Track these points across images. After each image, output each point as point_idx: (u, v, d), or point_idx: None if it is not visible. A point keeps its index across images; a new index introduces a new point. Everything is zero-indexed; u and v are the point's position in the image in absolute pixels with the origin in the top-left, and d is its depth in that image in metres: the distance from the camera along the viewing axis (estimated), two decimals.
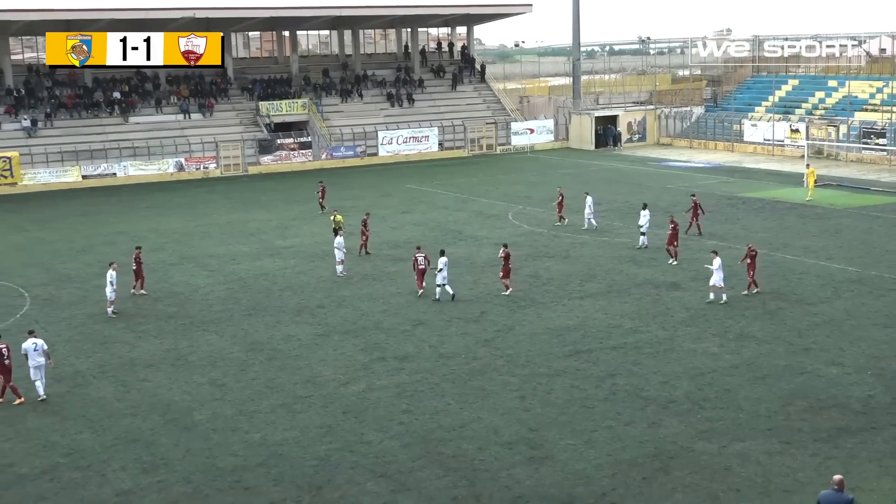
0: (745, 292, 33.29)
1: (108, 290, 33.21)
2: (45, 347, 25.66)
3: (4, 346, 25.26)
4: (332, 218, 43.19)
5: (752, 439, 21.58)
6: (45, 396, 25.32)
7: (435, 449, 21.70)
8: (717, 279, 32.44)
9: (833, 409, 23.13)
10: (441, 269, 33.89)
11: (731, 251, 40.13)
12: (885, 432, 21.69)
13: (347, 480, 20.22)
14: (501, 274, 34.89)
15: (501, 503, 19.07)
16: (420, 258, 34.91)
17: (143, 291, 36.27)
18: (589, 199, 46.70)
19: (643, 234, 41.00)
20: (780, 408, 23.38)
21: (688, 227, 43.63)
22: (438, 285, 33.99)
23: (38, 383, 25.32)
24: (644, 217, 41.16)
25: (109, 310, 33.54)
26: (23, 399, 25.07)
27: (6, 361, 25.04)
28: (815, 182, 52.65)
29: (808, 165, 55.29)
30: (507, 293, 34.48)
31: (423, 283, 34.80)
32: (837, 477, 15.65)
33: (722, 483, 19.58)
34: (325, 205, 52.75)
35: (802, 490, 19.12)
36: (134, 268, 36.11)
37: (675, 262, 37.66)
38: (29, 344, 25.29)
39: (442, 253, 34.45)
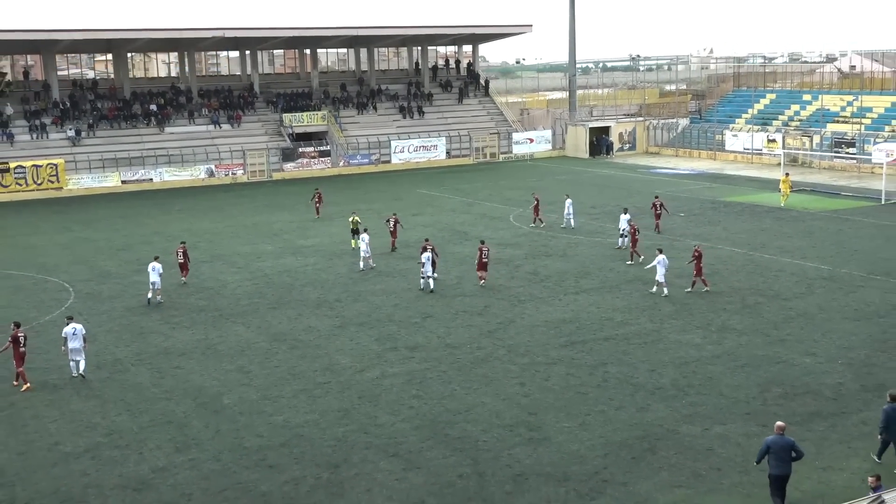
0: (689, 290, 33.32)
1: (155, 279, 33.87)
2: (84, 332, 26.10)
3: (23, 334, 25.55)
4: (350, 219, 43.38)
5: (732, 423, 21.57)
6: (84, 375, 25.80)
7: (442, 431, 21.72)
8: (659, 274, 32.83)
9: (806, 396, 23.11)
10: (423, 263, 34.68)
11: (713, 251, 40.11)
12: (854, 417, 21.66)
13: (362, 459, 20.26)
14: (479, 267, 35.54)
15: (503, 480, 19.08)
16: (428, 248, 35.72)
17: (183, 280, 37.01)
18: (568, 202, 47.28)
19: (623, 236, 40.90)
20: (758, 394, 23.36)
21: (655, 227, 44.53)
22: (423, 277, 34.85)
23: (72, 364, 25.85)
24: (624, 221, 41.19)
25: (156, 297, 34.14)
26: (29, 385, 25.20)
27: (21, 349, 25.33)
28: (789, 189, 52.61)
29: (786, 174, 55.08)
30: (482, 284, 35.18)
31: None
32: (780, 424, 17.46)
33: (704, 462, 19.58)
34: (320, 210, 52.41)
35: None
36: (181, 261, 36.94)
37: (639, 261, 37.49)
38: (69, 329, 25.77)
39: (425, 249, 35.29)
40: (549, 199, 50.80)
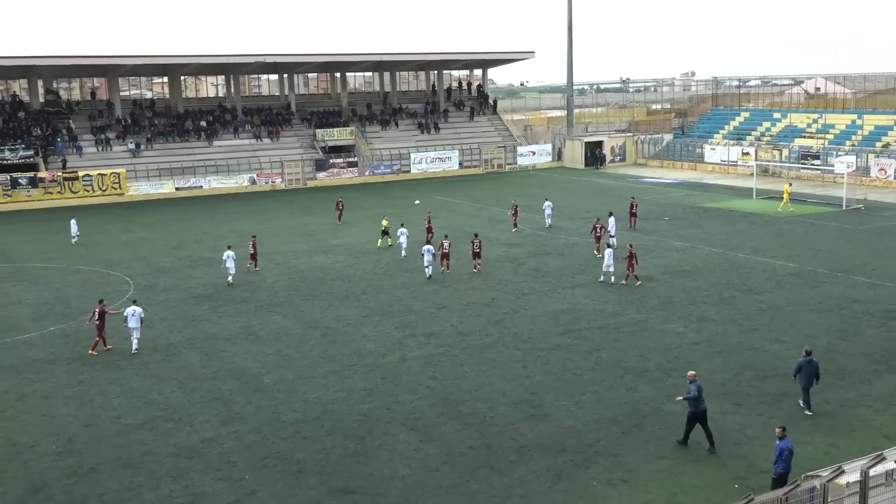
0: (623, 282, 33.74)
1: (230, 265, 35.70)
2: (143, 315, 26.98)
3: (97, 309, 26.89)
4: (382, 222, 44.26)
5: (709, 402, 21.30)
6: (137, 350, 26.70)
7: (455, 408, 21.72)
8: (607, 265, 33.95)
9: (776, 378, 22.99)
10: (423, 255, 36.04)
11: (693, 251, 40.03)
12: (818, 397, 21.51)
13: (385, 432, 20.28)
14: (473, 256, 37.27)
15: (508, 451, 19.07)
16: (446, 244, 36.98)
17: (255, 269, 38.32)
18: (548, 203, 48.24)
19: (612, 236, 41.05)
20: (733, 376, 23.27)
21: (632, 225, 45.71)
22: (426, 266, 36.08)
23: (132, 339, 26.74)
24: (612, 223, 41.56)
25: (229, 278, 35.78)
26: (94, 353, 26.69)
27: (94, 321, 26.71)
28: (788, 196, 52.57)
29: (790, 184, 54.70)
30: (475, 270, 36.76)
31: (448, 264, 36.92)
32: (692, 373, 19.34)
33: None
34: (342, 216, 51.78)
35: (750, 443, 19.06)
36: (251, 252, 38.47)
37: (599, 256, 37.90)
38: (129, 310, 26.73)
39: (428, 241, 37.68)
40: (533, 205, 50.57)
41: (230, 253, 35.85)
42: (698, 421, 18.89)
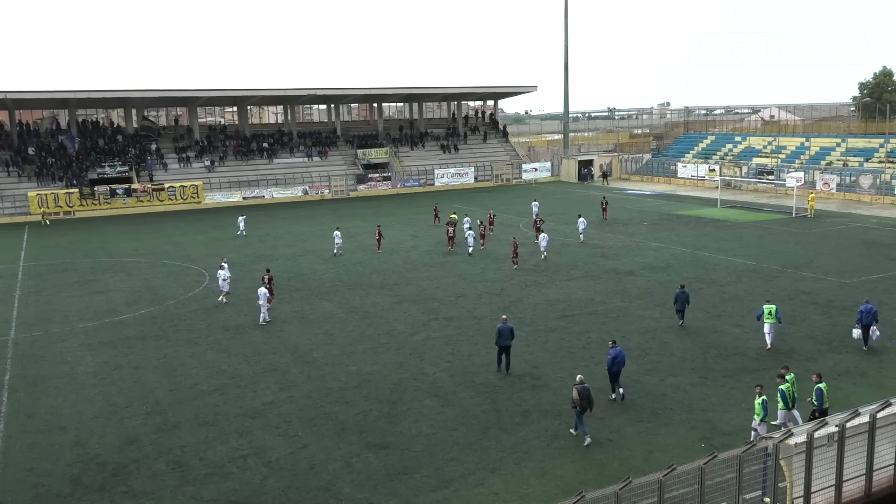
0: (515, 267, 36.03)
1: (339, 241, 39.49)
2: (267, 294, 28.39)
3: (268, 277, 29.56)
4: (451, 216, 46.17)
5: (681, 375, 21.35)
6: (267, 319, 27.96)
7: (470, 378, 21.70)
8: (543, 247, 37.12)
9: (736, 356, 22.82)
10: (467, 238, 39.89)
11: (668, 250, 39.72)
12: (771, 372, 21.27)
13: (412, 398, 20.30)
14: (482, 239, 41.32)
15: (514, 414, 19.04)
16: (451, 230, 40.94)
17: (378, 251, 40.97)
18: (535, 203, 50.44)
19: (581, 233, 42.54)
20: (700, 354, 23.10)
21: (603, 217, 48.77)
22: (469, 247, 39.74)
23: (262, 315, 28.02)
24: (581, 223, 42.84)
25: (339, 252, 39.89)
26: (270, 304, 28.70)
27: (269, 289, 29.09)
28: (813, 204, 51.99)
29: (812, 193, 54.26)
30: (482, 248, 40.47)
31: (453, 245, 40.86)
32: (504, 316, 22.41)
33: (660, 404, 19.40)
34: (439, 218, 51.25)
35: (714, 409, 18.92)
36: (377, 237, 41.58)
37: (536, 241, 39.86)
38: (260, 290, 28.30)
39: (468, 228, 41.31)
40: (546, 210, 50.36)
41: (338, 232, 39.51)
42: (503, 352, 21.60)
